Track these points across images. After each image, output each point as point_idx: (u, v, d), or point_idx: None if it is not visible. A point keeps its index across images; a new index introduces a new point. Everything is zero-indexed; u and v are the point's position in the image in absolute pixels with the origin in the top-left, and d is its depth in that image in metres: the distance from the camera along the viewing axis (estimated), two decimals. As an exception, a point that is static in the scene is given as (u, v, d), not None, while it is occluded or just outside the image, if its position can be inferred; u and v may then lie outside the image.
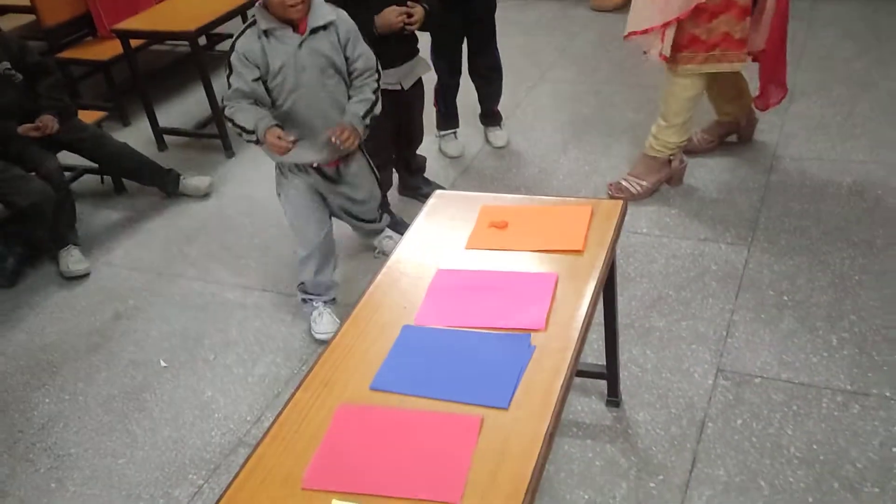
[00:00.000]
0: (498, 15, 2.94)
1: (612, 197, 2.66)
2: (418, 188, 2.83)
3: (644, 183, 2.64)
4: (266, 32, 1.98)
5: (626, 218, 1.66)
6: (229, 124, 2.07)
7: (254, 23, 1.98)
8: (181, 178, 3.12)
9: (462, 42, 2.93)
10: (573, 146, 3.06)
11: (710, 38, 2.33)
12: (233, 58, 2.00)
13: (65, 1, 3.69)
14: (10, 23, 4.08)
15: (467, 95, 3.11)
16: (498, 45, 2.99)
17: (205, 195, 3.11)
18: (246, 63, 1.99)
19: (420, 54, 2.55)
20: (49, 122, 2.72)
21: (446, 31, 2.83)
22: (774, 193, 2.59)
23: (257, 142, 2.03)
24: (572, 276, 1.46)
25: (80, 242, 2.85)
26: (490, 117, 3.17)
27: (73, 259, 2.76)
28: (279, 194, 2.32)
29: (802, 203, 2.52)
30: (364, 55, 2.12)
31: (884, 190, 2.51)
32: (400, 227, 2.54)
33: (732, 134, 2.86)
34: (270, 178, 3.15)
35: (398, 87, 2.45)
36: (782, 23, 2.38)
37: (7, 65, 2.70)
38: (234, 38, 2.01)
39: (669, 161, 2.62)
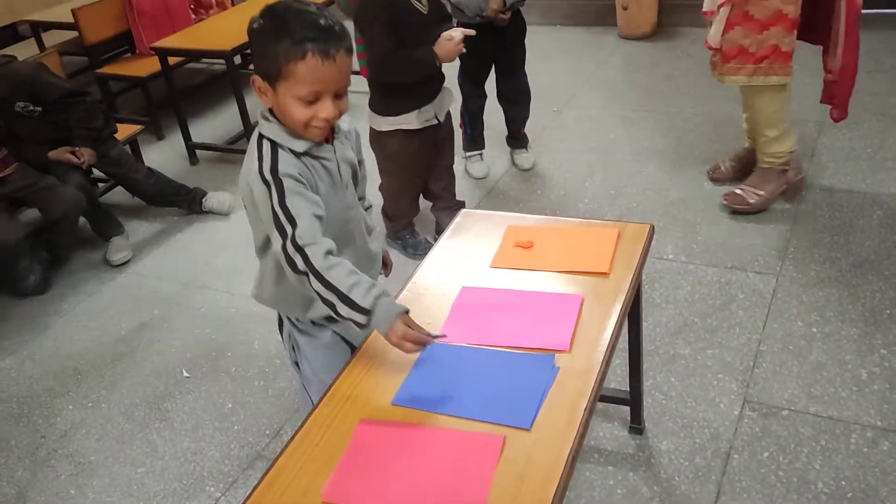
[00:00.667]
0: (527, 40, 2.96)
1: (728, 207, 2.65)
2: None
3: (761, 192, 2.62)
4: (304, 154, 1.37)
5: (653, 243, 1.65)
6: (316, 285, 1.29)
7: (273, 143, 1.36)
8: (204, 197, 3.15)
9: (491, 66, 2.95)
10: (599, 170, 3.06)
11: (758, 50, 2.34)
12: (285, 180, 1.32)
13: (107, 19, 3.79)
14: (53, 39, 4.19)
15: (494, 117, 3.12)
16: (526, 70, 3.01)
17: (227, 213, 3.14)
18: (305, 185, 1.35)
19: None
20: (88, 156, 2.81)
21: (476, 54, 2.85)
22: (804, 224, 2.56)
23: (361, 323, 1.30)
24: (598, 299, 1.45)
25: (121, 231, 2.98)
26: (517, 139, 3.18)
27: (112, 249, 2.93)
28: (295, 353, 1.60)
29: (832, 234, 2.49)
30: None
31: (916, 223, 2.48)
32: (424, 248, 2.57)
33: None
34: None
35: (435, 122, 2.44)
36: (855, 43, 2.36)
37: (21, 104, 2.71)
38: (259, 161, 1.34)
39: (785, 170, 2.61)
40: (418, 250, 2.62)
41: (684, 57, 3.89)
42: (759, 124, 2.54)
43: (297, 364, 1.61)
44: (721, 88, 3.30)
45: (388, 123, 2.38)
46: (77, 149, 2.79)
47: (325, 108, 1.33)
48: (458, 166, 3.08)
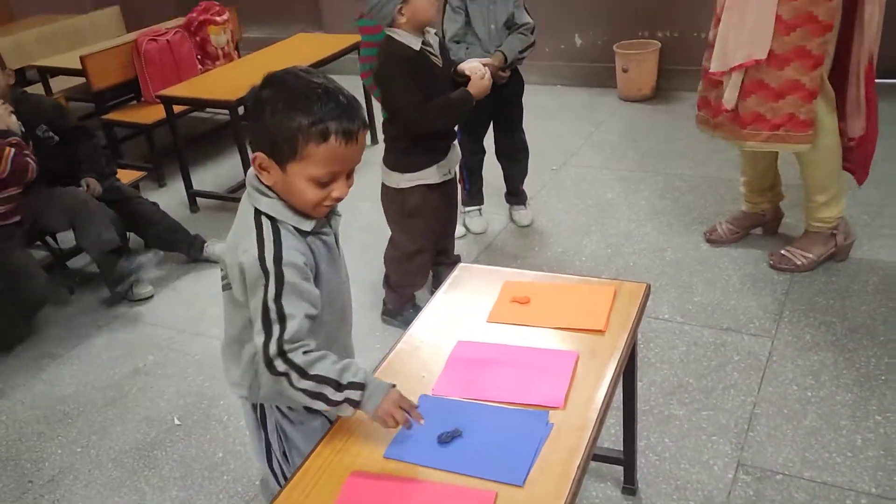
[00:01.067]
0: (527, 99, 3.03)
1: (773, 266, 2.66)
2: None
3: (809, 255, 2.63)
4: (309, 233, 1.32)
5: (649, 302, 1.66)
6: (301, 383, 1.25)
7: (273, 221, 1.29)
8: (205, 244, 3.16)
9: (490, 122, 3.01)
10: (596, 229, 3.09)
11: (774, 117, 2.36)
12: (287, 272, 1.26)
13: (115, 67, 3.87)
14: (60, 84, 4.26)
15: (493, 173, 3.16)
16: (525, 127, 3.07)
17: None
18: (307, 275, 1.29)
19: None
20: (94, 185, 2.89)
21: (476, 111, 2.91)
22: (800, 287, 2.57)
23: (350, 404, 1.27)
24: (593, 356, 1.46)
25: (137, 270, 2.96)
26: (515, 196, 3.22)
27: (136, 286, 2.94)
28: (282, 444, 1.49)
29: (828, 298, 2.50)
30: None
31: (911, 287, 2.50)
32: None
33: (758, 226, 2.87)
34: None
35: (450, 175, 2.47)
36: (875, 109, 2.41)
37: (44, 127, 2.81)
38: (260, 246, 1.27)
39: (833, 234, 2.63)
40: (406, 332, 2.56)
41: (683, 120, 3.96)
42: (808, 189, 2.55)
43: (275, 457, 1.48)
44: (719, 152, 3.38)
45: (408, 180, 2.37)
46: (84, 180, 2.87)
47: (340, 188, 1.27)
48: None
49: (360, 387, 1.24)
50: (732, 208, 2.92)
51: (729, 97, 2.41)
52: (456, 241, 3.06)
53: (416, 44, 2.23)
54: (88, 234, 2.79)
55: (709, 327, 2.44)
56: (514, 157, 3.11)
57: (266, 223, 1.27)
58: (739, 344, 2.35)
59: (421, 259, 2.53)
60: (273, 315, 1.23)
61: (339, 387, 1.24)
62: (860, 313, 2.42)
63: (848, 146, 2.51)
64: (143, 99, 4.01)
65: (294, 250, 1.27)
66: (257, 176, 1.29)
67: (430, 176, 2.38)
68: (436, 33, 2.35)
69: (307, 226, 1.30)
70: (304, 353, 1.24)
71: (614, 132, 3.97)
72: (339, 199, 1.29)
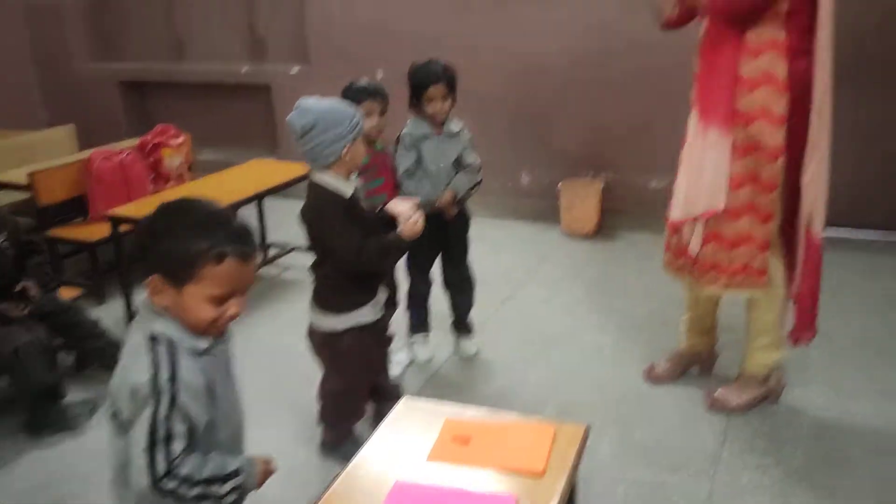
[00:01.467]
0: (476, 232, 3.12)
1: (710, 408, 2.68)
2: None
3: (744, 397, 2.67)
4: (204, 352, 1.38)
5: (589, 440, 1.67)
6: (191, 492, 1.33)
7: (169, 343, 1.34)
8: None
9: (437, 254, 3.07)
10: (541, 363, 3.11)
11: (730, 265, 2.47)
12: (180, 391, 1.31)
13: (64, 184, 3.85)
14: (5, 199, 4.21)
15: (441, 303, 3.19)
16: (474, 259, 3.14)
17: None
18: (199, 397, 1.35)
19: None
20: (32, 288, 2.79)
21: (423, 242, 2.97)
22: (737, 430, 2.61)
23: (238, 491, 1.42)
24: (532, 499, 1.44)
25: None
26: (462, 326, 3.24)
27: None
28: None
29: (765, 441, 2.53)
30: None
31: (842, 437, 2.55)
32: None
33: (695, 365, 2.94)
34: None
35: (382, 312, 2.44)
36: (816, 271, 2.48)
37: (2, 238, 2.78)
38: (155, 367, 1.32)
39: (767, 378, 2.68)
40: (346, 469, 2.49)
41: (623, 258, 4.11)
42: (752, 332, 2.63)
43: None
44: (659, 290, 3.49)
45: (342, 322, 2.32)
46: (23, 283, 2.78)
47: (235, 306, 1.35)
48: (402, 350, 3.13)
49: (237, 471, 1.38)
50: (671, 346, 2.99)
51: (694, 245, 2.51)
52: (403, 369, 3.05)
53: (348, 187, 2.24)
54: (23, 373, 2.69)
55: (649, 467, 2.43)
56: (461, 288, 3.16)
57: (161, 345, 1.33)
58: (679, 485, 2.34)
59: (356, 398, 2.46)
60: (161, 434, 1.29)
61: (225, 479, 1.36)
62: (795, 458, 2.45)
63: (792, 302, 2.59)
64: (89, 216, 3.98)
65: (189, 370, 1.34)
66: (151, 299, 1.36)
67: (365, 315, 2.34)
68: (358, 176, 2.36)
69: (203, 343, 1.38)
70: (187, 463, 1.33)
71: (559, 267, 4.08)
72: (234, 317, 1.38)
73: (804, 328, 2.56)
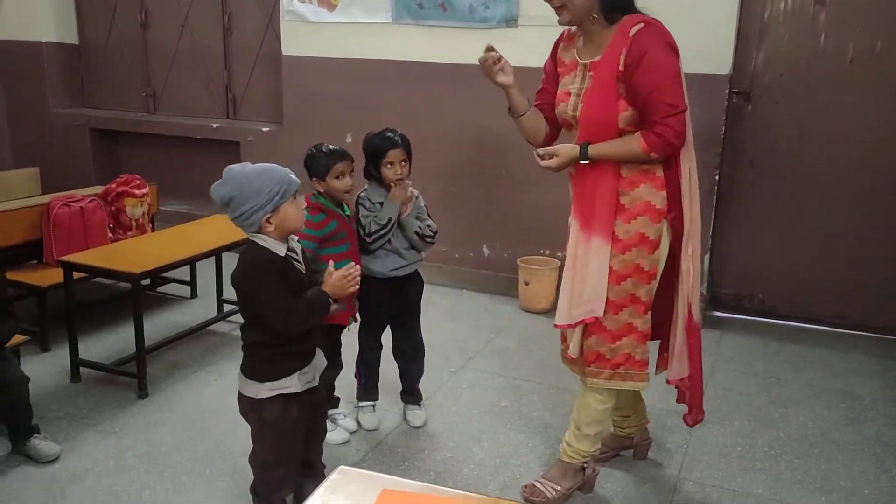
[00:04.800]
0: (434, 299, 3.14)
1: (526, 499, 2.63)
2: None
3: (559, 488, 2.64)
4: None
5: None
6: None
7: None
8: (34, 436, 2.84)
9: (388, 319, 3.08)
10: (487, 437, 3.09)
11: (614, 357, 2.48)
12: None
13: (19, 227, 3.80)
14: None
15: (391, 370, 3.18)
16: (428, 327, 3.15)
17: (46, 462, 2.80)
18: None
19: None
20: None
21: (375, 307, 3.00)
22: (677, 515, 2.61)
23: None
24: (461, 580, 1.42)
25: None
26: (411, 395, 3.22)
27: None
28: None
29: (703, 528, 2.54)
30: None
31: (780, 526, 2.57)
32: None
33: (628, 448, 2.95)
34: (177, 424, 3.08)
35: (315, 384, 2.35)
36: (698, 353, 2.55)
37: None
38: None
39: (584, 468, 2.66)
40: None
41: (576, 335, 4.15)
42: (580, 419, 2.61)
43: None
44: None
45: (267, 389, 2.25)
46: None
47: None
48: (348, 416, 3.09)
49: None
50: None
51: (573, 349, 2.53)
52: (347, 436, 3.01)
53: (280, 250, 2.20)
54: None
55: (589, 551, 2.42)
56: (411, 356, 3.15)
57: None
58: (617, 571, 2.32)
59: (283, 469, 2.36)
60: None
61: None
62: (733, 547, 2.45)
63: (680, 387, 2.63)
64: (43, 261, 3.92)
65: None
66: None
67: (291, 384, 2.26)
68: (299, 240, 2.33)
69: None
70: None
71: (513, 340, 4.10)
72: None
73: (699, 408, 2.63)
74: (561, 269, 4.40)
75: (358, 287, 2.33)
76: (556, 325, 2.57)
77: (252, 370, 2.28)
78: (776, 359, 3.92)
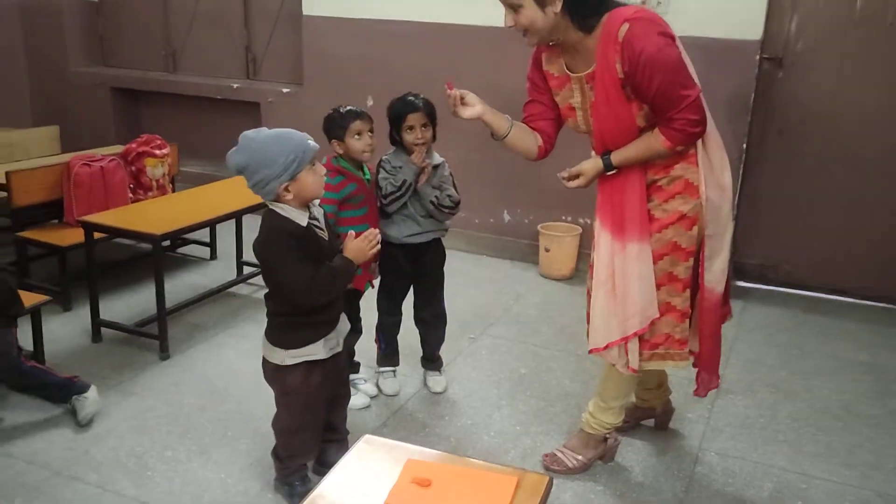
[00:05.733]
0: (453, 265, 3.10)
1: (547, 468, 2.63)
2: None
3: (580, 457, 2.64)
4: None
5: (553, 488, 1.65)
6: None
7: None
8: (82, 394, 2.83)
9: (409, 286, 3.06)
10: (507, 404, 3.09)
11: (652, 337, 2.42)
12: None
13: (41, 186, 3.79)
14: (-22, 195, 4.15)
15: (411, 336, 3.17)
16: (447, 294, 3.13)
17: (81, 422, 2.81)
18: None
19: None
20: None
21: (395, 274, 2.97)
22: (699, 486, 2.60)
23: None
24: (488, 552, 1.41)
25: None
26: (431, 362, 3.21)
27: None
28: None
29: (725, 501, 2.53)
30: None
31: (803, 501, 2.54)
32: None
33: (649, 419, 2.93)
34: (199, 386, 3.10)
35: (339, 349, 2.35)
36: (715, 326, 2.50)
37: None
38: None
39: (605, 438, 2.65)
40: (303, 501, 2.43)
41: (597, 304, 4.12)
42: (606, 391, 2.58)
43: None
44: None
45: (292, 357, 2.24)
46: None
47: None
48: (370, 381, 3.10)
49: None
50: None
51: (633, 359, 2.41)
52: (368, 401, 3.02)
53: (302, 219, 2.15)
54: None
55: (609, 520, 2.42)
56: (433, 324, 3.14)
57: None
58: (638, 541, 2.32)
59: (305, 435, 2.37)
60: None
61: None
62: (755, 519, 2.44)
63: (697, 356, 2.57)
64: (64, 220, 3.92)
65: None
66: None
67: (316, 352, 2.25)
68: (320, 204, 2.30)
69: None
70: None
71: (532, 307, 4.08)
72: None
73: (713, 373, 2.58)
74: (581, 236, 4.42)
75: (378, 249, 2.31)
76: (595, 350, 2.46)
77: (276, 337, 2.27)
78: (800, 330, 3.87)
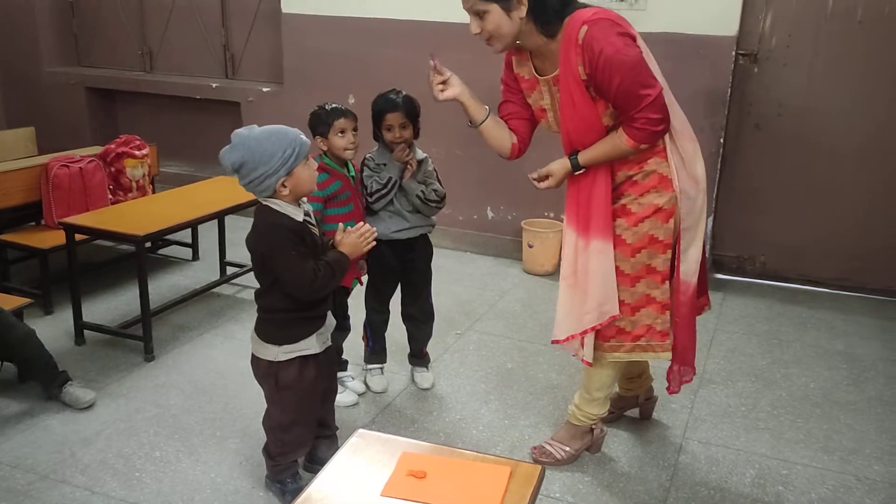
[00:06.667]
0: (436, 264, 3.12)
1: (536, 460, 2.66)
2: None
3: (568, 449, 2.68)
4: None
5: (543, 480, 1.67)
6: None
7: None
8: (68, 383, 2.92)
9: (397, 284, 3.07)
10: (495, 398, 3.12)
11: (633, 329, 2.46)
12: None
13: (19, 188, 3.75)
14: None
15: (398, 332, 3.19)
16: (433, 290, 3.15)
17: (84, 408, 2.89)
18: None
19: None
20: None
21: (383, 272, 2.99)
22: (683, 474, 2.65)
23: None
24: (485, 541, 1.44)
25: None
26: (418, 358, 3.23)
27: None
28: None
29: (709, 488, 2.58)
30: None
31: (785, 487, 2.60)
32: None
33: (633, 408, 2.98)
34: (185, 387, 3.09)
35: (328, 344, 2.37)
36: (690, 318, 2.54)
37: None
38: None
39: (592, 430, 2.69)
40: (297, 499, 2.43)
41: (579, 298, 4.16)
42: (590, 384, 2.61)
43: None
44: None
45: (285, 352, 2.25)
46: None
47: None
48: (356, 379, 3.11)
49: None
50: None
51: (588, 352, 2.47)
52: (356, 399, 3.03)
53: (298, 215, 2.17)
54: None
55: (598, 510, 2.45)
56: (420, 321, 3.15)
57: None
58: (627, 529, 2.36)
59: (298, 430, 2.37)
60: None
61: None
62: (739, 506, 2.49)
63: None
64: (43, 222, 3.88)
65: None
66: None
67: (310, 346, 2.27)
68: (307, 200, 2.31)
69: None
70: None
71: (517, 302, 4.11)
72: None
73: (688, 366, 2.61)
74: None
75: (374, 245, 2.34)
76: (556, 341, 2.53)
77: (269, 334, 2.27)
78: (778, 320, 3.95)
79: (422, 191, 2.88)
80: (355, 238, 2.29)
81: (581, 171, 2.38)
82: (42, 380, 2.93)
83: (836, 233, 4.21)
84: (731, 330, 3.82)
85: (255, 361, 2.32)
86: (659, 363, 2.77)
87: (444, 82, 2.44)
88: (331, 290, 2.27)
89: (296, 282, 2.16)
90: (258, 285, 2.29)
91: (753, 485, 2.60)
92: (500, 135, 2.54)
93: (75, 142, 5.10)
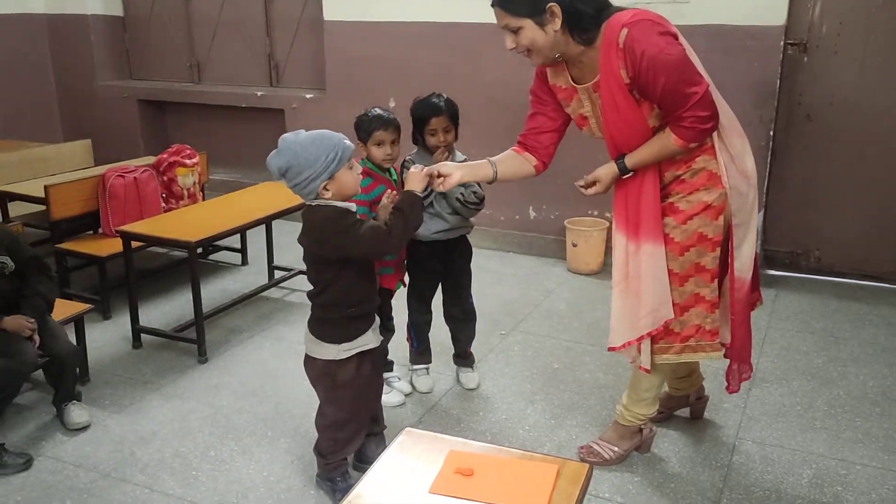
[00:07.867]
0: (479, 264, 3.12)
1: (583, 460, 2.65)
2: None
3: (616, 449, 2.65)
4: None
5: (591, 479, 1.67)
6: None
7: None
8: (73, 401, 2.92)
9: (437, 284, 3.09)
10: (541, 398, 3.10)
11: (683, 329, 2.43)
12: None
13: (77, 198, 3.88)
14: (18, 210, 4.26)
15: (442, 333, 3.20)
16: (476, 291, 3.15)
17: (73, 430, 2.87)
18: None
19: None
20: (34, 327, 2.72)
21: (424, 273, 3.01)
22: (736, 475, 2.60)
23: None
24: (533, 538, 1.44)
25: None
26: (463, 359, 3.24)
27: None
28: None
29: (764, 488, 2.52)
30: None
31: (843, 487, 2.53)
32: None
33: (684, 408, 2.93)
34: (237, 388, 3.15)
35: (382, 337, 2.43)
36: (746, 315, 2.50)
37: (1, 258, 2.71)
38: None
39: (641, 430, 2.66)
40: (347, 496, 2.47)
41: (627, 297, 4.11)
42: (638, 384, 2.58)
43: None
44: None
45: (346, 350, 2.29)
46: (31, 320, 2.70)
47: None
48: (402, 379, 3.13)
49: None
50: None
51: (645, 359, 2.44)
52: (403, 399, 3.05)
53: (349, 206, 2.24)
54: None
55: (649, 510, 2.42)
56: (462, 321, 3.16)
57: None
58: (678, 529, 2.33)
59: (353, 427, 2.41)
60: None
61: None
62: (796, 506, 2.44)
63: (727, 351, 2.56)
64: (100, 231, 4.01)
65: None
66: None
67: (368, 341, 2.31)
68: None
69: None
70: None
71: (562, 302, 4.09)
72: None
73: (745, 363, 2.57)
74: (608, 230, 4.42)
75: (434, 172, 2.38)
76: (612, 348, 2.50)
77: (326, 333, 2.30)
78: (834, 317, 3.85)
79: (461, 193, 2.89)
80: (416, 171, 2.33)
81: (629, 175, 2.36)
82: (62, 392, 2.93)
83: (893, 225, 4.08)
84: (785, 327, 3.73)
85: (311, 362, 2.35)
86: (710, 362, 2.73)
87: (439, 176, 2.43)
88: (413, 231, 2.32)
89: (373, 242, 2.19)
90: (310, 287, 2.33)
91: (811, 485, 2.54)
92: (517, 170, 2.57)
93: (129, 152, 5.26)
